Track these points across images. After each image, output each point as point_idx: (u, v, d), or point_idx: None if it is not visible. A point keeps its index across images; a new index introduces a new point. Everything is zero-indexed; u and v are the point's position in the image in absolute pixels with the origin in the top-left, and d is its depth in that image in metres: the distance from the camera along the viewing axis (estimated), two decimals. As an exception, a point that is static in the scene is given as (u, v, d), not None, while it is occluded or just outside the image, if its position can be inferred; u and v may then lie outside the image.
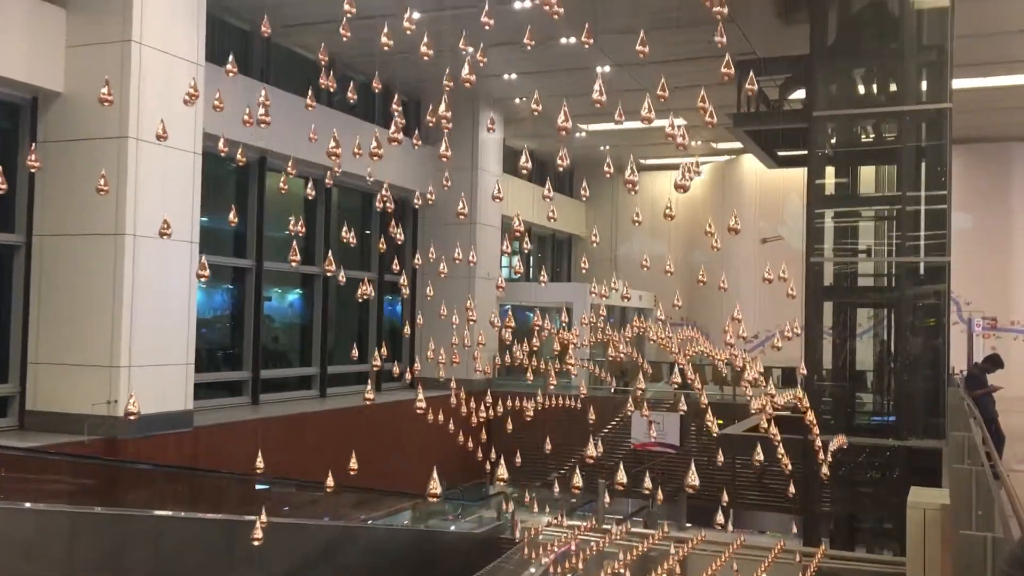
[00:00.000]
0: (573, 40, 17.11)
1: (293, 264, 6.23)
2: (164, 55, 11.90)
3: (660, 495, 7.97)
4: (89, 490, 10.83)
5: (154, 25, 11.74)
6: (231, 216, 9.19)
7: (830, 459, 8.08)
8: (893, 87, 14.16)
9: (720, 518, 5.93)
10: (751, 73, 4.45)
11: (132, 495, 11.36)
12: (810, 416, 6.82)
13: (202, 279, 5.30)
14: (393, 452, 16.42)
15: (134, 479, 11.35)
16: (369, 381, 6.10)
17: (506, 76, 19.19)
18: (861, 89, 14.90)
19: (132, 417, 5.33)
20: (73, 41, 11.65)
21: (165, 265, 11.86)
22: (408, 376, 8.98)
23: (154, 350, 11.58)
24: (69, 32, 11.64)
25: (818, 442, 9.47)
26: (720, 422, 18.43)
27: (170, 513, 9.36)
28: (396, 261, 8.89)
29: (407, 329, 12.03)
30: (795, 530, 12.57)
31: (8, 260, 11.91)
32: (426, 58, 5.46)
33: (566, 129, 4.47)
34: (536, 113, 5.20)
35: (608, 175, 6.56)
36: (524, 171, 5.46)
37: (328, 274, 6.01)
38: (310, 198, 6.59)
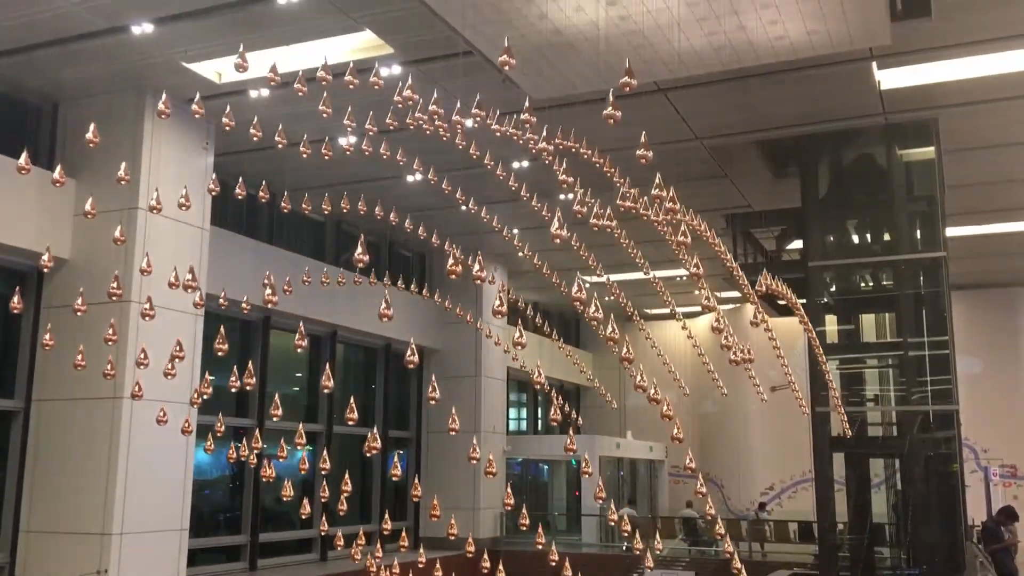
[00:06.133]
0: (571, 196, 17.54)
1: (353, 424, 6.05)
2: (170, 221, 12.23)
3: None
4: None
5: (162, 193, 12.08)
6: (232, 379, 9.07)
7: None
8: (887, 236, 14.35)
9: None
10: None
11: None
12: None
13: (195, 403, 5.25)
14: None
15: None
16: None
17: (507, 231, 19.59)
18: (855, 239, 15.10)
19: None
20: (80, 210, 11.99)
21: (162, 430, 11.77)
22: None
23: (148, 516, 11.38)
24: (77, 201, 12.01)
25: None
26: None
27: None
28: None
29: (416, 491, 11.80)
30: None
31: (6, 426, 11.89)
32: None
33: (521, 344, 4.56)
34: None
35: (605, 331, 6.55)
36: (499, 315, 5.47)
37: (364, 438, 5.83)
38: (299, 350, 6.60)
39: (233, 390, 7.60)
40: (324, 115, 7.48)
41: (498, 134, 7.35)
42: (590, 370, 29.18)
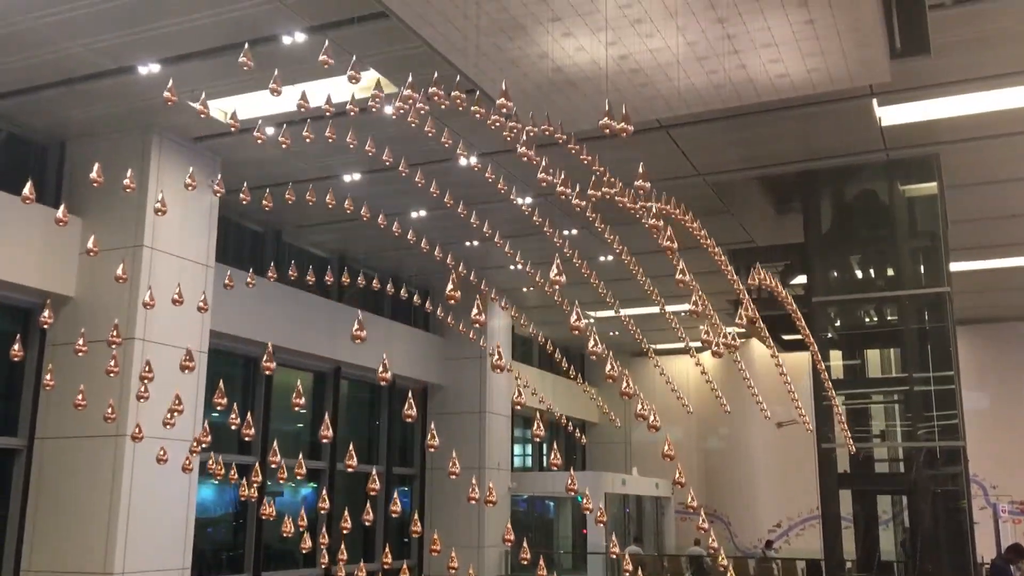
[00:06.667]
0: (575, 231, 17.59)
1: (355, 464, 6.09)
2: (175, 259, 12.28)
3: None
4: None
5: (166, 231, 12.17)
6: (232, 416, 9.08)
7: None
8: (891, 272, 14.34)
9: None
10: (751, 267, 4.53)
11: None
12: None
13: (195, 451, 5.25)
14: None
15: None
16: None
17: (512, 267, 19.63)
18: (859, 274, 15.09)
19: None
20: (86, 248, 12.06)
21: (164, 468, 11.73)
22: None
23: (150, 555, 11.30)
24: (83, 239, 12.07)
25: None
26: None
27: None
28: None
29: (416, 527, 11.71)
30: None
31: (9, 464, 11.86)
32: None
33: (520, 404, 4.55)
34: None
35: (611, 366, 6.50)
36: (498, 369, 5.45)
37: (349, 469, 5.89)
38: (297, 408, 6.62)
39: (233, 427, 7.57)
40: (326, 114, 7.56)
41: (495, 127, 7.37)
42: (595, 404, 29.09)
